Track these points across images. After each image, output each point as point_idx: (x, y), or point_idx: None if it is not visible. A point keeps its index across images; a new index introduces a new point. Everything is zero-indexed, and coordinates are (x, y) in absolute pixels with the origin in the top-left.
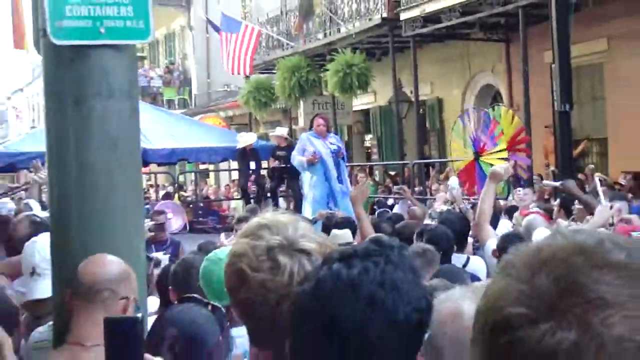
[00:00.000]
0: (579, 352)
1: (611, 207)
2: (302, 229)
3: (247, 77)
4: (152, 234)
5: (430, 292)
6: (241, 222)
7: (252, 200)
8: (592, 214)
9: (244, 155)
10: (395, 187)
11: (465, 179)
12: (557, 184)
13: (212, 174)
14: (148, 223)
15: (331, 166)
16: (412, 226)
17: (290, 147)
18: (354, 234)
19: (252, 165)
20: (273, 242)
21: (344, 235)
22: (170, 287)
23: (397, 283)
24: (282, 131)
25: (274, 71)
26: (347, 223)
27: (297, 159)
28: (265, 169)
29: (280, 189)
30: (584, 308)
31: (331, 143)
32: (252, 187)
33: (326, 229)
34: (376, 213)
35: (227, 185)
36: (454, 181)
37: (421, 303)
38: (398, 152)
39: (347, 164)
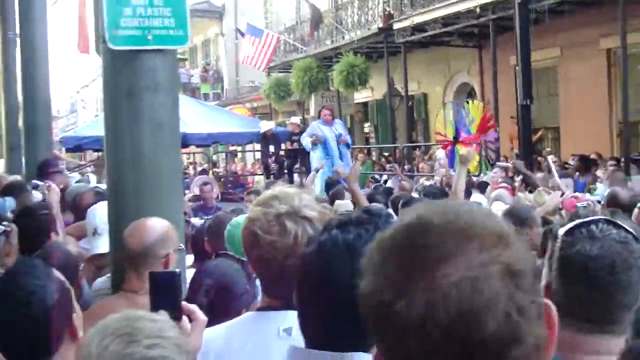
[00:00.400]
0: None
1: (562, 195)
2: (306, 200)
3: (268, 74)
4: (195, 203)
5: None
6: (250, 194)
7: (272, 176)
8: (534, 187)
9: (265, 138)
10: (388, 165)
11: (444, 148)
12: (508, 164)
13: (239, 154)
14: (188, 194)
15: (334, 148)
16: (401, 197)
17: (303, 133)
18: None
19: (272, 148)
20: (281, 210)
21: (346, 204)
22: (206, 239)
23: None
24: (296, 120)
25: (290, 71)
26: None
27: (305, 139)
28: (283, 150)
29: (295, 166)
30: (428, 271)
31: (336, 129)
32: (273, 165)
33: (328, 186)
34: (372, 186)
35: (253, 163)
36: (441, 153)
37: None
38: (391, 137)
39: (351, 147)
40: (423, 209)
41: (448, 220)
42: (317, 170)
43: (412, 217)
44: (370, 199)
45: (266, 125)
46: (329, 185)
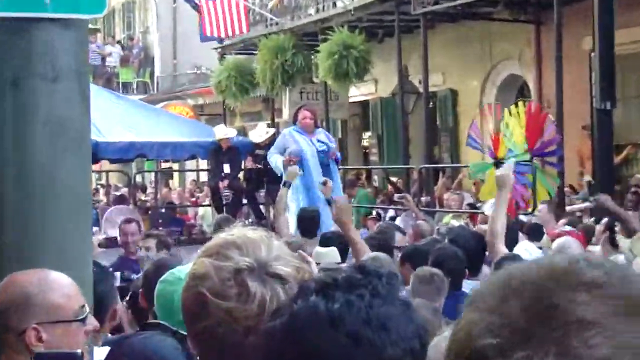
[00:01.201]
0: None
1: None
2: (276, 250)
3: (222, 57)
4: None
5: (425, 329)
6: (149, 238)
7: (224, 209)
8: (630, 232)
9: (219, 152)
10: (397, 195)
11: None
12: (585, 205)
13: (176, 175)
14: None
15: (314, 169)
16: (418, 250)
17: (270, 145)
18: (343, 253)
19: (227, 167)
20: (242, 264)
21: (329, 253)
22: (141, 291)
23: (385, 320)
24: (261, 131)
25: (254, 52)
26: (335, 238)
27: (273, 157)
28: (242, 170)
29: (260, 192)
30: (562, 331)
31: (319, 141)
32: (226, 192)
33: (305, 222)
34: (375, 227)
35: (194, 187)
36: (487, 207)
37: (413, 343)
38: (402, 154)
39: (340, 167)
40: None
41: (602, 276)
42: (287, 185)
43: (554, 260)
44: (369, 245)
45: (223, 133)
46: (306, 219)
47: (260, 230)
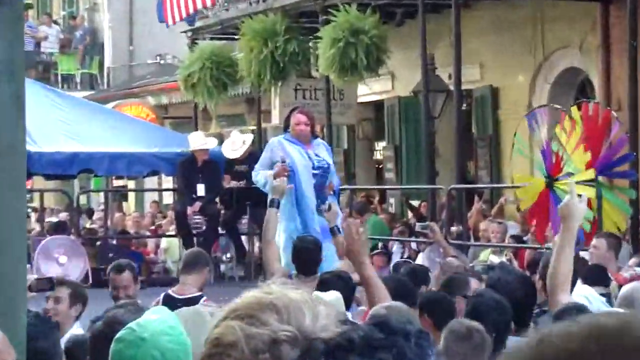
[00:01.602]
0: None
1: None
2: (323, 317)
3: (192, 43)
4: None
5: None
6: (63, 286)
7: (195, 240)
8: None
9: (192, 167)
10: (419, 224)
11: (537, 218)
12: None
13: (132, 196)
14: (29, 276)
15: (308, 189)
16: (442, 300)
17: (255, 159)
18: (349, 299)
19: (200, 188)
20: (281, 334)
21: (331, 300)
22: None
23: None
24: (241, 137)
25: (236, 37)
26: (337, 281)
27: (259, 175)
28: (221, 189)
29: (242, 220)
30: None
31: (317, 156)
32: (197, 219)
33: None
34: (391, 265)
35: (155, 212)
36: (494, 258)
37: None
38: (426, 170)
39: (346, 187)
40: None
41: None
42: (275, 204)
43: (601, 321)
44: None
45: (200, 143)
46: (304, 251)
47: (303, 291)
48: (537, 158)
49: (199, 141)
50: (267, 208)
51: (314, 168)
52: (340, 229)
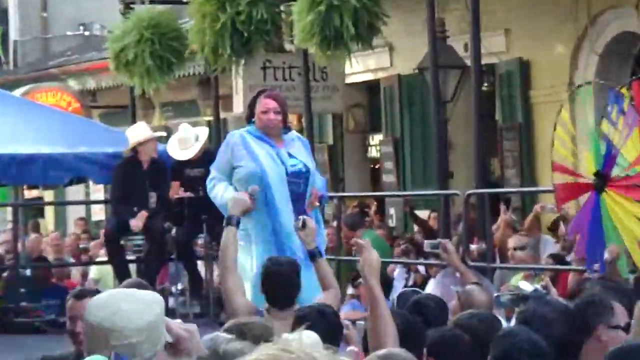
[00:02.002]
0: None
1: None
2: None
3: (126, 7)
4: None
5: None
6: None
7: (133, 267)
8: None
9: (136, 170)
10: (428, 242)
11: (563, 196)
12: None
13: (50, 211)
14: None
15: (281, 201)
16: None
17: (213, 160)
18: (335, 339)
19: (153, 198)
20: None
21: (311, 342)
22: None
23: None
24: (193, 131)
25: (183, 0)
26: (318, 317)
27: (216, 187)
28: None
29: (199, 241)
30: None
31: (291, 156)
32: (135, 240)
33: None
34: (392, 296)
35: (81, 231)
36: (525, 285)
37: None
38: (436, 171)
39: (333, 194)
40: None
41: None
42: (233, 222)
43: None
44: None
45: (146, 133)
46: (276, 276)
47: (328, 352)
48: (597, 149)
49: (143, 132)
50: (224, 226)
51: (287, 174)
52: (322, 252)
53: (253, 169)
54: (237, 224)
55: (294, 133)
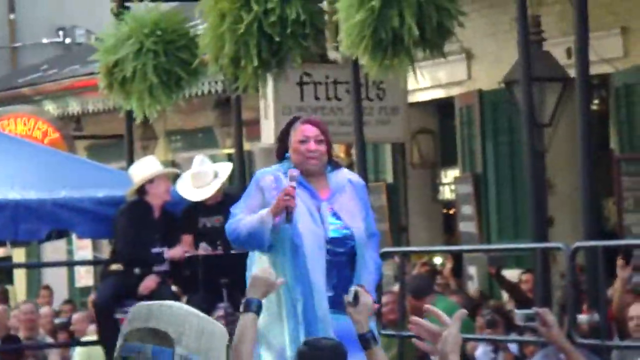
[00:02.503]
0: None
1: None
2: None
3: (120, 7)
4: None
5: None
6: None
7: None
8: None
9: (141, 217)
10: (521, 312)
11: None
12: None
13: (21, 275)
14: None
15: (315, 269)
16: None
17: (228, 206)
18: None
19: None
20: None
21: None
22: None
23: None
24: (211, 166)
25: None
26: None
27: (241, 222)
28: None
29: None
30: None
31: (335, 215)
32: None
33: None
34: None
35: (61, 302)
36: None
37: None
38: (532, 217)
39: (392, 249)
40: None
41: None
42: (252, 308)
43: None
44: None
45: (148, 171)
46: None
47: None
48: None
49: (153, 167)
50: (241, 312)
51: (328, 241)
52: (377, 338)
53: (285, 231)
54: (258, 310)
55: (345, 173)
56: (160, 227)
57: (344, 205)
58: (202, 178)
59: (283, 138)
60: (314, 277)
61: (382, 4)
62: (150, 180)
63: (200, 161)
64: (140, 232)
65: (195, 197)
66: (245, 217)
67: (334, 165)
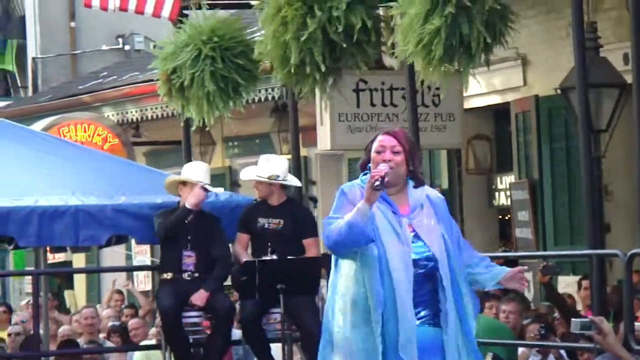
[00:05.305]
0: None
1: None
2: None
3: (180, 15)
4: None
5: None
6: None
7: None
8: None
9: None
10: (576, 321)
11: None
12: None
13: (81, 280)
14: None
15: (404, 294)
16: None
17: (293, 213)
18: None
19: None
20: None
21: None
22: None
23: None
24: (269, 168)
25: (251, 0)
26: None
27: (341, 222)
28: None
29: (275, 316)
30: None
31: (415, 234)
32: (193, 317)
33: None
34: None
35: (117, 306)
36: None
37: None
38: (588, 224)
39: None
40: None
41: None
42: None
43: None
44: None
45: (190, 174)
46: None
47: None
48: None
49: (195, 173)
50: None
51: (418, 262)
52: None
53: (370, 250)
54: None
55: (425, 190)
56: (191, 231)
57: (423, 224)
58: (273, 163)
59: (368, 150)
60: (403, 301)
61: (436, 8)
62: (184, 183)
63: (266, 160)
64: (170, 238)
65: (261, 173)
66: (339, 221)
67: (418, 182)
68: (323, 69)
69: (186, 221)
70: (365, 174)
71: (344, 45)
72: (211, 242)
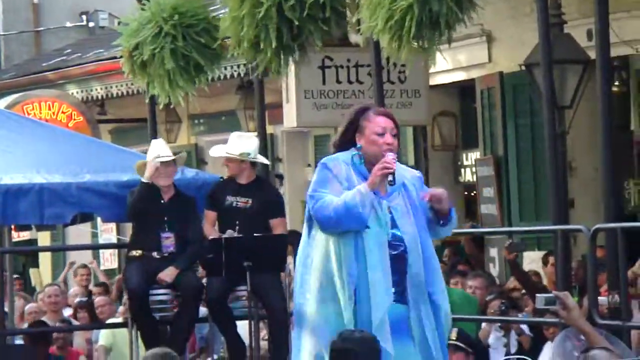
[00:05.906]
0: None
1: None
2: None
3: None
4: None
5: None
6: None
7: (155, 331)
8: None
9: (152, 199)
10: (541, 297)
11: None
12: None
13: (46, 258)
14: None
15: (376, 264)
16: None
17: (262, 192)
18: None
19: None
20: None
21: None
22: None
23: None
24: (240, 145)
25: None
26: None
27: (327, 197)
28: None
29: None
30: None
31: (391, 216)
32: (160, 295)
33: None
34: None
35: (83, 283)
36: None
37: None
38: (552, 199)
39: None
40: None
41: None
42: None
43: None
44: None
45: (164, 151)
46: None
47: None
48: None
49: (154, 151)
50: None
51: (390, 243)
52: None
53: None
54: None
55: (402, 170)
56: (166, 209)
57: (400, 207)
58: (245, 140)
59: (352, 128)
60: (374, 279)
61: None
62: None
63: (238, 137)
64: (144, 214)
65: (229, 149)
66: (334, 198)
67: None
68: (274, 45)
69: (162, 201)
70: (359, 149)
71: (297, 22)
72: (187, 224)
